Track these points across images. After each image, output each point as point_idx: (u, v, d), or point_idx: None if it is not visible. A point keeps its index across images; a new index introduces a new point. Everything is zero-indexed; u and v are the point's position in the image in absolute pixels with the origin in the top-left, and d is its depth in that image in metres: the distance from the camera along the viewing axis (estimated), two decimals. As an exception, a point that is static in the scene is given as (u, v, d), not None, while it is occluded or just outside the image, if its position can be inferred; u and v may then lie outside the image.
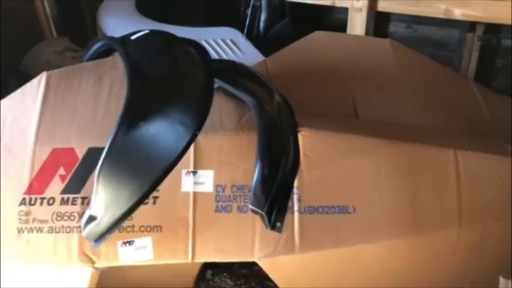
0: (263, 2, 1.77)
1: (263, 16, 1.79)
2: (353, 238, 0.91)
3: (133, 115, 0.86)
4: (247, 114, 0.97)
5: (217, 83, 0.98)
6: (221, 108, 0.97)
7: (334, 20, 1.90)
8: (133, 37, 1.04)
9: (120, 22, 1.69)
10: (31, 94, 1.00)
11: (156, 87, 0.92)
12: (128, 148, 0.86)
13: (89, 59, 1.14)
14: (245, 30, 1.76)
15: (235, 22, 1.81)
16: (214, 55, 1.52)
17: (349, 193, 0.92)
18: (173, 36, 1.05)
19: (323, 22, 1.93)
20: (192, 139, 0.89)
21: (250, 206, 0.87)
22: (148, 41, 1.04)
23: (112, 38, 1.10)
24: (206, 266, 1.20)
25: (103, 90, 0.99)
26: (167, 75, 0.96)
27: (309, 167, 0.92)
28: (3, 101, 1.02)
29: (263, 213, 0.85)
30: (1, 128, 0.97)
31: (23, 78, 1.70)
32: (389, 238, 0.92)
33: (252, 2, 1.77)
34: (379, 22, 1.82)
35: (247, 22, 1.78)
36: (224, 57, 1.52)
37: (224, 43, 1.57)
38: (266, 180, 0.86)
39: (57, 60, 1.84)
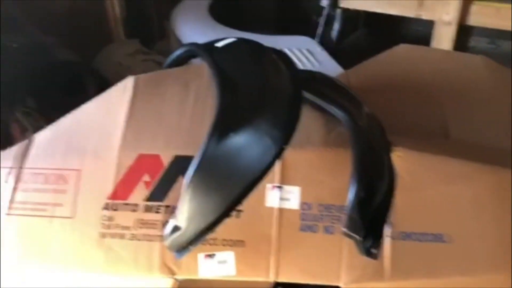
0: (338, 11, 1.72)
1: (336, 26, 1.74)
2: (448, 269, 0.85)
3: (224, 125, 0.84)
4: (336, 129, 0.92)
5: (303, 94, 0.94)
6: (308, 121, 0.93)
7: (410, 31, 1.83)
8: (218, 45, 1.02)
9: (195, 28, 1.69)
10: (117, 98, 0.99)
11: (245, 97, 0.90)
12: (218, 159, 0.83)
13: (170, 65, 1.13)
14: (317, 40, 1.72)
15: (305, 31, 1.77)
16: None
17: (445, 221, 0.86)
18: (260, 45, 1.02)
19: (397, 34, 1.86)
20: (279, 153, 0.85)
21: (344, 229, 0.82)
22: (235, 49, 1.01)
23: (196, 45, 1.08)
24: (277, 282, 1.16)
25: (189, 98, 0.97)
26: (256, 85, 0.93)
27: (402, 190, 0.86)
28: (89, 104, 1.03)
29: (359, 238, 0.81)
30: (87, 131, 0.97)
31: (98, 76, 1.74)
32: (488, 273, 0.85)
33: (326, 11, 1.73)
34: (459, 36, 1.73)
35: (319, 31, 1.74)
36: (300, 66, 1.48)
37: (300, 52, 1.53)
38: (362, 203, 0.81)
39: (128, 61, 1.87)
